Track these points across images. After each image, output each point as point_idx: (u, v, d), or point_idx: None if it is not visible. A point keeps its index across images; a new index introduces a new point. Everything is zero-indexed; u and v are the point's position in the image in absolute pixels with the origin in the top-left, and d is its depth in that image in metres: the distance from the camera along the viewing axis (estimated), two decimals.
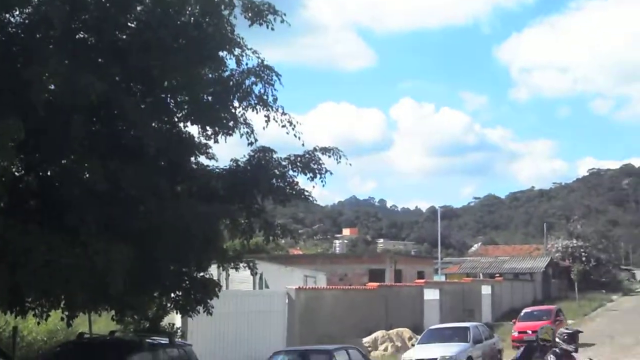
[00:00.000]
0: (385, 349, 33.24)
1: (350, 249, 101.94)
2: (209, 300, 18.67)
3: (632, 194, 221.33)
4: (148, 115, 16.01)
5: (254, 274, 21.64)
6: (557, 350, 12.95)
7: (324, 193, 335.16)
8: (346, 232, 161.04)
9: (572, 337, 13.03)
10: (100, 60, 15.62)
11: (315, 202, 19.48)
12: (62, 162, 15.55)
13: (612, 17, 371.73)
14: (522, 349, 14.37)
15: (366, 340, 33.58)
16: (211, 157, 19.16)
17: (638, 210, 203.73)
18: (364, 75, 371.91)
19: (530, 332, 32.49)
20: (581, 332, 14.34)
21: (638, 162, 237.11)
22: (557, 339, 13.18)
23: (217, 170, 18.85)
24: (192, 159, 18.63)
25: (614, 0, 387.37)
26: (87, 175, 16.00)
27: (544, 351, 13.60)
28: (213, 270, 20.85)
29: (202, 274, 18.66)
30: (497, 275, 70.20)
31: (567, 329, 13.83)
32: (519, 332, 35.89)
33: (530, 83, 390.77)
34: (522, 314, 41.77)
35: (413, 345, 30.34)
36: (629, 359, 31.41)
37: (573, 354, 12.99)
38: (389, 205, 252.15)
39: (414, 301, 44.02)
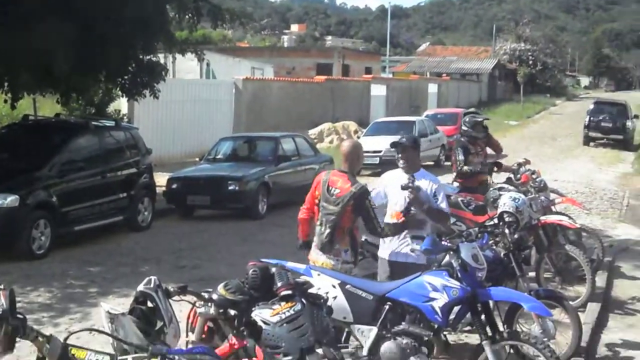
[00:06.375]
0: (331, 141, 33.58)
1: (298, 44, 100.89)
2: (155, 84, 18.53)
3: (582, 1, 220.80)
4: None
5: (201, 60, 21.41)
6: (463, 138, 12.69)
7: None
8: (294, 28, 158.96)
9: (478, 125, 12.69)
10: None
11: None
12: None
13: None
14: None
15: (312, 132, 33.82)
16: None
17: (587, 18, 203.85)
18: None
19: None
20: (488, 118, 14.05)
21: None
22: (463, 127, 12.82)
23: None
24: None
25: None
26: None
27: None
28: (160, 60, 20.62)
29: (148, 57, 18.43)
30: (444, 74, 70.46)
31: (473, 115, 13.09)
32: None
33: None
34: (423, 115, 36.30)
35: (359, 137, 30.63)
36: (569, 159, 32.15)
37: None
38: (338, 2, 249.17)
39: (361, 96, 44.20)
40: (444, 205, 8.16)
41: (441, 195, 8.17)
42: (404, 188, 7.94)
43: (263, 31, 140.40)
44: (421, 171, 8.33)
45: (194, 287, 5.56)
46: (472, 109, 14.78)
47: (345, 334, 7.53)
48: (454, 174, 12.87)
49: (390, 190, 8.21)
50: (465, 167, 12.26)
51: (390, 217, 8.14)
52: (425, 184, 8.09)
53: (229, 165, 19.75)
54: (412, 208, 7.97)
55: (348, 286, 7.17)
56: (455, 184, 12.60)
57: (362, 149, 8.32)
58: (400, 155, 8.24)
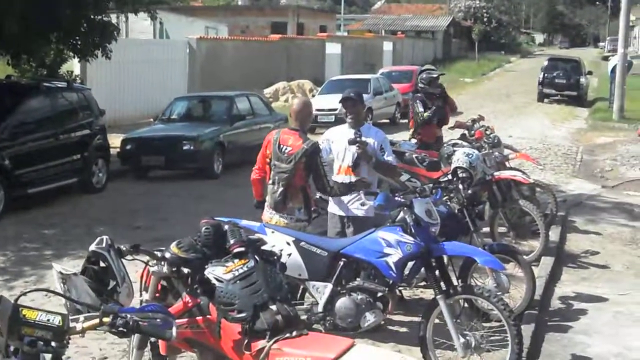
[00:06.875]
0: (286, 100, 33.49)
1: (252, 3, 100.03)
2: (107, 45, 18.33)
3: None
4: None
5: (154, 19, 21.11)
6: (419, 94, 12.72)
7: None
8: None
9: (434, 81, 12.71)
10: None
11: None
12: None
13: None
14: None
15: (267, 91, 33.73)
16: None
17: None
18: None
19: None
20: (443, 74, 14.09)
21: None
22: (419, 84, 12.84)
23: None
24: None
25: None
26: None
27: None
28: (112, 20, 20.36)
29: (100, 17, 18.20)
30: (400, 32, 70.33)
31: (429, 71, 13.04)
32: None
33: None
34: (378, 73, 36.06)
35: (314, 96, 30.55)
36: (523, 116, 32.36)
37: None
38: None
39: (316, 54, 44.05)
40: (390, 158, 8.22)
41: (388, 148, 8.22)
42: (351, 143, 7.96)
43: None
44: (366, 125, 8.38)
45: (150, 247, 5.51)
46: (427, 66, 14.77)
47: (300, 291, 7.57)
48: (412, 130, 12.86)
49: (335, 147, 8.24)
50: (426, 114, 12.31)
51: (337, 173, 8.16)
52: (371, 138, 8.12)
53: (184, 125, 19.63)
54: (361, 162, 8.00)
55: (302, 243, 7.19)
56: (414, 140, 12.60)
57: (312, 107, 8.40)
58: (349, 110, 8.27)
